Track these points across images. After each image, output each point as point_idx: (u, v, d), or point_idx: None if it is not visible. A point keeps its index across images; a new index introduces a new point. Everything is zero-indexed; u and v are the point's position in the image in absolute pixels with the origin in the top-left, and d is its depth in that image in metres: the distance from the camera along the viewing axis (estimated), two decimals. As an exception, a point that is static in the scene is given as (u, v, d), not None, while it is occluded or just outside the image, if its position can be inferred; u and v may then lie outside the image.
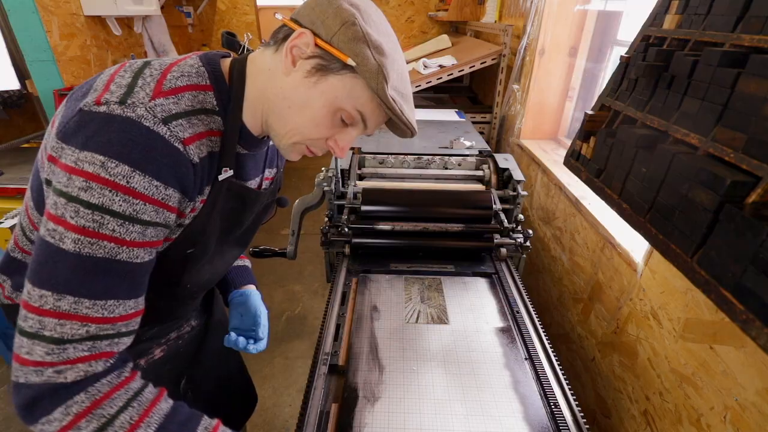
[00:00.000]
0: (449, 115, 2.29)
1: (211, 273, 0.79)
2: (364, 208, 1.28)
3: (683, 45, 0.77)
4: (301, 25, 0.57)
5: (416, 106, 2.78)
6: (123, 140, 0.48)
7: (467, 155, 1.58)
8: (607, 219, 1.29)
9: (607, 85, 0.95)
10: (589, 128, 0.96)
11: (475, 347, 0.96)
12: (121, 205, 0.49)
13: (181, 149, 0.52)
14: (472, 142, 1.71)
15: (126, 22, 2.99)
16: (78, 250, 0.48)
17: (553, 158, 1.87)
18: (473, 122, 2.28)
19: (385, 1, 4.00)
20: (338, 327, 1.00)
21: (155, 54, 3.30)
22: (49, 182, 0.54)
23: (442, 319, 1.04)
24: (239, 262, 0.97)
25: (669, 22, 0.82)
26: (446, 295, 1.14)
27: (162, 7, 3.14)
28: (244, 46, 0.67)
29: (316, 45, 0.56)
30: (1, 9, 2.15)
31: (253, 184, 0.73)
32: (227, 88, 0.60)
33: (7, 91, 2.38)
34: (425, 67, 2.46)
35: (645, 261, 1.06)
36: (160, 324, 0.82)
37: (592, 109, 0.98)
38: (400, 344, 0.96)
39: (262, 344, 0.87)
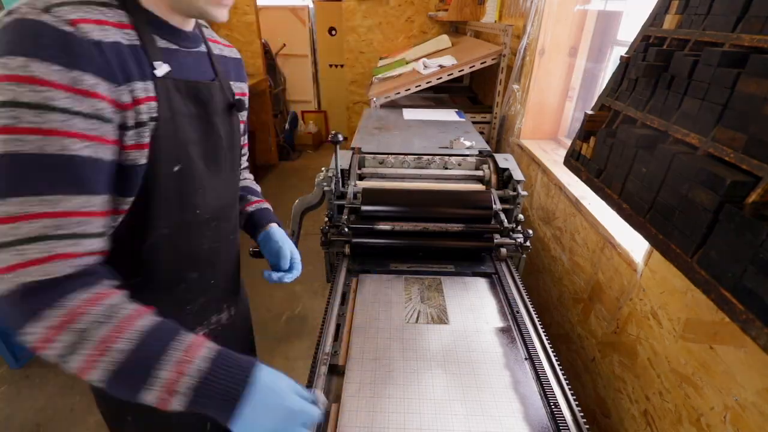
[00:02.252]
0: (449, 115, 2.29)
1: (215, 198, 0.78)
2: (364, 208, 1.28)
3: (683, 45, 0.78)
4: None
5: (416, 106, 2.76)
6: (13, 38, 0.49)
7: (467, 155, 1.58)
8: (607, 219, 1.29)
9: (607, 85, 0.95)
10: (589, 128, 0.96)
11: (475, 347, 0.96)
12: (29, 95, 0.48)
13: (70, 29, 0.51)
14: (472, 142, 1.71)
15: (126, 22, 2.99)
16: (5, 150, 0.48)
17: (553, 158, 1.87)
18: (473, 122, 2.28)
19: (385, 1, 4.01)
20: (338, 327, 1.00)
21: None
22: None
23: (442, 319, 1.04)
24: (260, 205, 1.01)
25: (669, 22, 0.82)
26: (446, 295, 1.14)
27: (162, 7, 3.13)
28: None
29: None
30: (1, 9, 2.15)
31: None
32: None
33: (7, 91, 2.38)
34: (425, 67, 2.46)
35: (645, 261, 1.06)
36: (198, 272, 0.80)
37: (592, 109, 0.98)
38: (400, 344, 0.96)
39: (292, 274, 0.91)
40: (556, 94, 2.05)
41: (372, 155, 1.57)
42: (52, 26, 0.50)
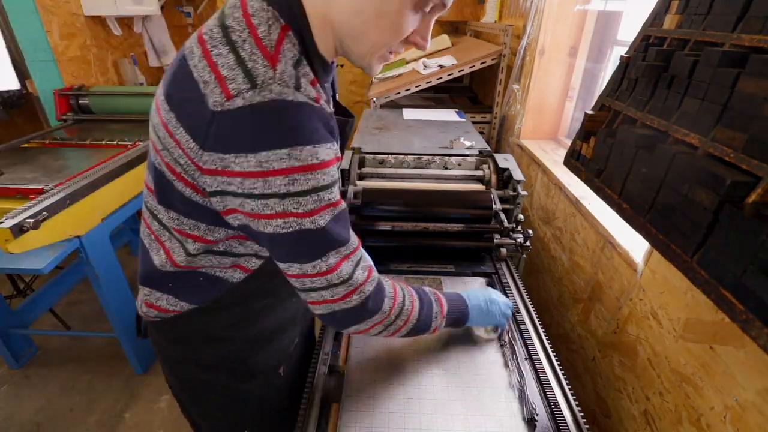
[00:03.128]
0: (449, 115, 2.29)
1: None
2: (364, 208, 1.28)
3: (683, 45, 0.78)
4: None
5: (416, 106, 2.75)
6: (288, 125, 0.50)
7: (467, 155, 1.58)
8: (607, 219, 1.29)
9: (607, 85, 0.95)
10: (589, 128, 0.96)
11: (475, 347, 0.96)
12: (324, 178, 0.54)
13: (319, 106, 0.53)
14: (472, 142, 1.71)
15: (126, 22, 2.99)
16: (316, 225, 0.56)
17: (553, 158, 1.87)
18: (473, 122, 2.28)
19: (385, 1, 4.00)
20: (338, 327, 1.00)
21: (155, 54, 3.29)
22: (218, 193, 0.56)
23: (442, 319, 1.04)
24: None
25: (669, 22, 0.82)
26: (446, 295, 1.13)
27: (162, 7, 3.13)
28: None
29: None
30: (1, 9, 2.15)
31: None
32: (298, 22, 0.55)
33: (7, 91, 2.38)
34: (425, 67, 2.46)
35: (645, 261, 1.06)
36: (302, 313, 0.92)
37: (592, 109, 0.98)
38: (400, 344, 0.96)
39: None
40: (556, 94, 2.05)
41: (372, 155, 1.57)
42: (311, 106, 0.52)
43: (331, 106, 0.69)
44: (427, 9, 0.55)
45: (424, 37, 0.59)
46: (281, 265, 0.61)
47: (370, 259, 0.69)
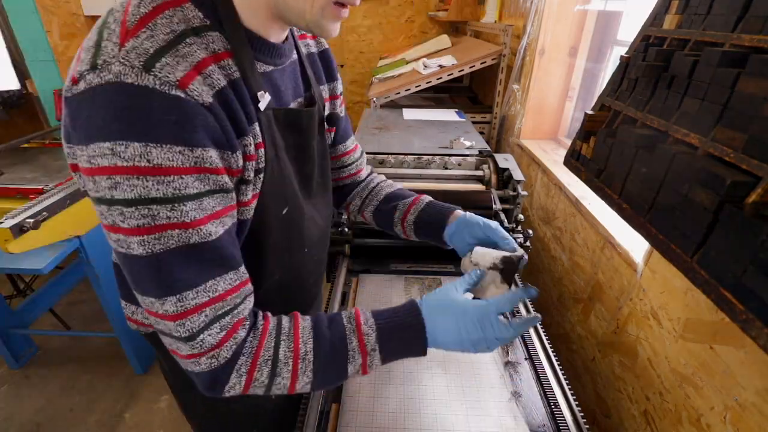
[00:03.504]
0: (449, 115, 2.29)
1: (317, 228, 0.72)
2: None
3: (683, 45, 0.77)
4: None
5: (416, 106, 2.75)
6: (116, 114, 0.40)
7: (467, 155, 1.58)
8: (607, 219, 1.29)
9: (607, 85, 0.95)
10: (589, 128, 0.96)
11: (475, 347, 0.96)
12: (158, 189, 0.42)
13: (182, 95, 0.42)
14: (472, 142, 1.71)
15: (126, 22, 2.99)
16: (150, 251, 0.43)
17: (553, 158, 1.87)
18: (473, 122, 2.28)
19: (385, 1, 4.00)
20: (338, 327, 1.00)
21: (155, 54, 3.29)
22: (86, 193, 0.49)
23: (442, 319, 1.04)
24: (423, 200, 0.83)
25: (669, 22, 0.82)
26: (446, 295, 1.13)
27: (162, 7, 3.13)
28: None
29: None
30: (1, 9, 2.15)
31: (294, 106, 0.63)
32: None
33: (7, 91, 2.38)
34: (425, 67, 2.46)
35: (645, 261, 1.06)
36: (305, 306, 0.81)
37: (592, 109, 0.98)
38: (400, 344, 0.96)
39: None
40: (556, 94, 2.05)
41: (372, 155, 1.57)
42: (161, 93, 0.41)
43: (288, 96, 0.61)
44: None
45: None
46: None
47: (247, 308, 0.53)
